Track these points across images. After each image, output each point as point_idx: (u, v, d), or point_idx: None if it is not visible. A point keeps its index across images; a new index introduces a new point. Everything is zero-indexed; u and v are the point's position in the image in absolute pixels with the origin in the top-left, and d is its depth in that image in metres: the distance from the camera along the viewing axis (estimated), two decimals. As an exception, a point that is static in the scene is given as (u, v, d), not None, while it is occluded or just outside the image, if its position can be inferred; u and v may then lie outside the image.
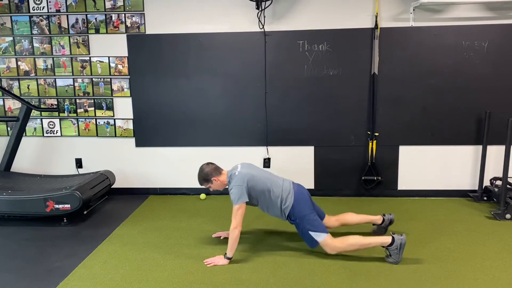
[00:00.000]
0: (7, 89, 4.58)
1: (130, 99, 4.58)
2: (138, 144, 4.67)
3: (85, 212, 4.05)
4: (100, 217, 4.11)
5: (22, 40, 4.54)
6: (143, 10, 4.39)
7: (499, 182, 4.09)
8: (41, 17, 4.48)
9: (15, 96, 4.42)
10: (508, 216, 3.77)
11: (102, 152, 4.71)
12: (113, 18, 4.42)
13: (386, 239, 2.99)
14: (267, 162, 4.53)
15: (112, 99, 4.59)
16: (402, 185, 4.48)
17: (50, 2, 4.43)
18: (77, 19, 4.46)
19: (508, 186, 3.91)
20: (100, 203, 4.44)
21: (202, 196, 4.61)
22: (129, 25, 4.42)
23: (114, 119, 4.64)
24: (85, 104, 4.63)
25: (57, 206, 3.77)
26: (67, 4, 4.42)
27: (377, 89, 4.29)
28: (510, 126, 3.76)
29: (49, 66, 4.58)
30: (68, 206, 3.77)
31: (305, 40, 4.28)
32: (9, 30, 4.53)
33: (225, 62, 4.40)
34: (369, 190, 4.51)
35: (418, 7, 4.14)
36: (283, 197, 3.10)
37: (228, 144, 4.52)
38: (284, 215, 3.13)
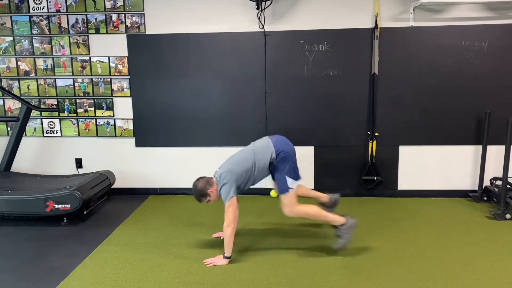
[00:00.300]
0: (7, 89, 4.58)
1: (130, 99, 4.58)
2: (138, 144, 4.67)
3: (85, 212, 4.05)
4: (100, 217, 4.11)
5: (22, 40, 4.55)
6: (143, 10, 4.39)
7: (499, 182, 4.09)
8: (41, 17, 4.48)
9: (15, 96, 4.43)
10: (508, 216, 3.77)
11: (102, 152, 4.71)
12: (113, 18, 4.42)
13: (340, 218, 3.13)
14: (267, 162, 4.53)
15: (112, 99, 4.59)
16: (402, 185, 4.48)
17: (50, 2, 4.43)
18: (77, 19, 4.46)
19: (508, 186, 3.91)
20: (100, 203, 4.44)
21: (202, 196, 4.61)
22: (129, 25, 4.42)
23: (114, 119, 4.64)
24: (85, 104, 4.63)
25: (57, 206, 3.78)
26: (67, 4, 4.42)
27: (377, 89, 4.29)
28: (510, 126, 3.76)
29: (49, 66, 4.58)
30: (68, 206, 3.77)
31: (305, 40, 4.28)
32: (9, 30, 4.53)
33: (225, 62, 4.40)
34: (369, 190, 4.51)
35: (418, 7, 4.14)
36: (269, 153, 3.14)
37: (228, 144, 4.52)
38: (274, 160, 3.14)
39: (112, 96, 4.59)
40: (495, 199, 4.14)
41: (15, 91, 4.63)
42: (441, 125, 4.31)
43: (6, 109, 4.71)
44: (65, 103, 4.65)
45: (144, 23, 4.41)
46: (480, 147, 4.29)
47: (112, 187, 4.54)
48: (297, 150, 4.44)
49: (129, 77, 4.52)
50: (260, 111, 4.45)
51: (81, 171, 4.73)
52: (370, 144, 4.38)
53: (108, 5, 4.40)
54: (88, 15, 4.44)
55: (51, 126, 4.71)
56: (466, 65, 4.18)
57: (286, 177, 3.13)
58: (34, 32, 4.51)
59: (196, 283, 2.81)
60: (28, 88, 4.63)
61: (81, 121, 4.67)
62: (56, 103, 4.64)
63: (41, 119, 4.70)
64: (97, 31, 4.46)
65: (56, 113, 4.66)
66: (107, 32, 4.46)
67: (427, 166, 4.42)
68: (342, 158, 4.48)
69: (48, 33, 4.51)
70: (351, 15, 4.22)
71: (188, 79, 4.47)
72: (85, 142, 4.72)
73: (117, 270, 3.01)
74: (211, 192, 3.16)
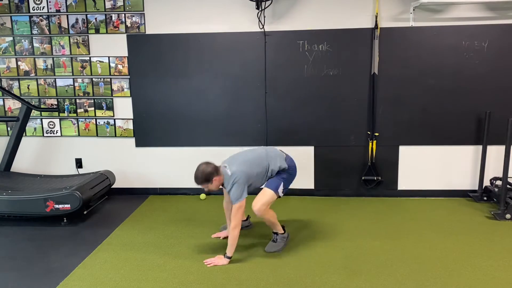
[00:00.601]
0: (7, 89, 4.58)
1: (130, 99, 4.58)
2: (138, 144, 4.67)
3: (85, 212, 4.05)
4: (100, 217, 4.11)
5: (22, 40, 4.55)
6: (143, 10, 4.39)
7: (499, 182, 4.09)
8: (41, 17, 4.48)
9: (15, 96, 4.42)
10: (508, 216, 3.77)
11: (102, 152, 4.71)
12: (113, 18, 4.42)
13: (282, 229, 3.33)
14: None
15: (112, 99, 4.59)
16: (402, 185, 4.48)
17: (50, 2, 4.43)
18: (77, 19, 4.46)
19: (508, 186, 3.91)
20: (100, 203, 4.44)
21: (202, 196, 4.61)
22: (129, 25, 4.42)
23: (114, 119, 4.64)
24: (85, 104, 4.63)
25: (57, 206, 3.77)
26: (67, 4, 4.42)
27: (377, 89, 4.29)
28: (510, 126, 3.76)
29: (49, 66, 4.58)
30: (68, 206, 3.77)
31: (305, 40, 4.28)
32: (9, 30, 4.53)
33: (225, 62, 4.40)
34: (369, 190, 4.51)
35: (418, 7, 4.14)
36: (281, 163, 3.26)
37: (228, 144, 4.52)
38: (280, 169, 3.26)
39: (112, 96, 4.58)
40: (495, 199, 4.14)
41: (15, 91, 4.63)
42: (441, 125, 4.31)
43: (6, 109, 4.71)
44: (65, 103, 4.65)
45: (144, 23, 4.41)
46: (480, 147, 4.29)
47: (112, 187, 4.54)
48: (297, 150, 4.48)
49: (129, 77, 4.52)
50: (260, 111, 4.45)
51: (81, 171, 4.73)
52: (370, 144, 4.38)
53: (108, 5, 4.40)
54: (88, 15, 4.44)
55: (51, 126, 4.71)
56: (466, 65, 4.18)
57: (282, 182, 3.23)
58: (34, 32, 4.51)
59: (196, 283, 2.81)
60: (28, 88, 4.63)
61: (81, 121, 4.67)
62: (56, 103, 4.64)
63: (41, 119, 4.70)
64: (97, 31, 4.46)
65: (56, 113, 4.66)
66: (107, 32, 4.46)
67: (427, 166, 4.42)
68: (342, 158, 4.48)
69: (48, 33, 4.51)
70: (351, 15, 4.22)
71: (188, 79, 4.47)
72: (85, 142, 4.72)
73: (117, 270, 3.01)
74: (215, 180, 3.09)
